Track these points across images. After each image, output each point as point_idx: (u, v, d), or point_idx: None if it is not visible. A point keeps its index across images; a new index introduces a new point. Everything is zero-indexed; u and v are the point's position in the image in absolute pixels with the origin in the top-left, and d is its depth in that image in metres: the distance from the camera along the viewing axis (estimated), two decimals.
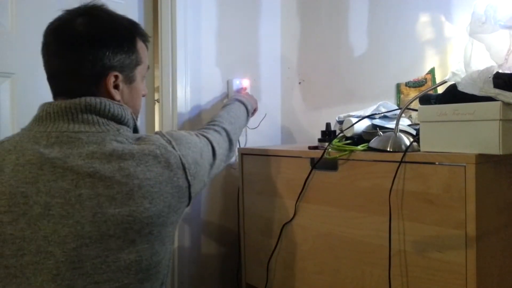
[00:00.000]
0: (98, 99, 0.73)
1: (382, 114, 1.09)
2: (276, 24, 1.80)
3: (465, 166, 0.76)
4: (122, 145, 0.71)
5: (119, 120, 0.76)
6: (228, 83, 1.58)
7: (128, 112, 0.78)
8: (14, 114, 1.24)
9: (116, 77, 0.77)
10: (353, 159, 0.98)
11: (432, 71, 1.25)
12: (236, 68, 1.64)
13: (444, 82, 0.90)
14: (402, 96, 1.33)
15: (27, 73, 1.25)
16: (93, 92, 0.75)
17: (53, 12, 0.77)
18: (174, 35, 1.44)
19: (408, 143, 0.91)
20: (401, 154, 0.87)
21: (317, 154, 1.07)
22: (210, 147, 0.91)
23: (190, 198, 0.79)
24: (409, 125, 1.08)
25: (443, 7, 1.23)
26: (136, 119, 0.87)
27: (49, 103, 0.74)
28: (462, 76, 0.82)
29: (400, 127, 0.97)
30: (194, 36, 1.50)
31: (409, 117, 1.19)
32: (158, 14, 1.49)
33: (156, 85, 1.61)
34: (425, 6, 1.28)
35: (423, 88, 1.26)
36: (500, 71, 0.79)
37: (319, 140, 1.20)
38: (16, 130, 0.76)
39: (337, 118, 1.18)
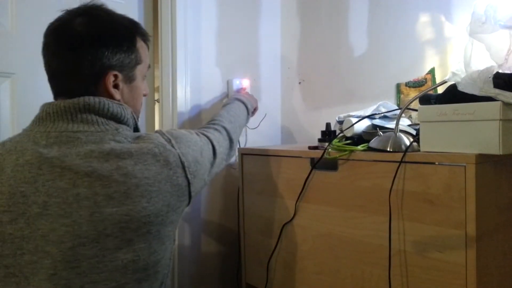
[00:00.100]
0: (97, 99, 0.73)
1: (382, 114, 1.09)
2: (276, 24, 1.80)
3: (465, 166, 0.76)
4: (120, 144, 0.71)
5: (118, 120, 0.75)
6: (228, 83, 1.58)
7: (128, 111, 0.78)
8: (14, 114, 1.24)
9: (115, 76, 0.77)
10: (353, 159, 0.98)
11: (432, 71, 1.25)
12: (236, 68, 1.64)
13: (444, 82, 0.90)
14: (402, 96, 1.33)
15: (27, 73, 1.25)
16: (93, 92, 0.75)
17: (53, 12, 0.77)
18: (174, 35, 1.44)
19: (408, 143, 0.91)
20: (401, 154, 0.87)
21: (317, 154, 1.07)
22: (210, 146, 0.91)
23: (190, 197, 0.79)
24: (409, 125, 1.08)
25: (443, 7, 1.23)
26: (137, 119, 0.86)
27: (49, 103, 0.74)
28: (462, 76, 0.82)
29: (400, 127, 0.97)
30: (194, 36, 1.50)
31: (409, 117, 1.19)
32: (158, 14, 1.49)
33: (156, 85, 1.61)
34: (425, 6, 1.28)
35: (423, 88, 1.26)
36: (500, 71, 0.79)
37: (319, 140, 1.20)
38: (16, 130, 0.76)
39: (337, 118, 1.18)
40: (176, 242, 1.46)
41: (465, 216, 0.77)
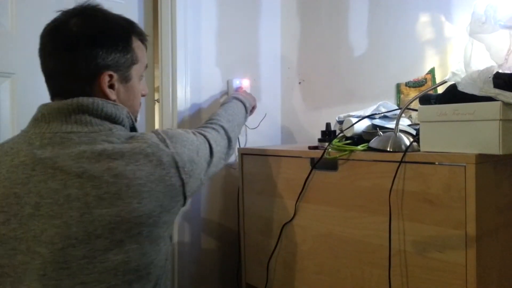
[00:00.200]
0: (91, 99, 0.73)
1: (382, 114, 1.09)
2: (276, 24, 1.80)
3: (465, 166, 0.76)
4: (112, 145, 0.70)
5: (113, 120, 0.75)
6: (228, 83, 1.58)
7: (123, 111, 0.78)
8: (14, 114, 1.24)
9: (110, 76, 0.76)
10: (353, 159, 0.98)
11: (432, 71, 1.25)
12: (236, 68, 1.64)
13: (444, 82, 0.90)
14: (402, 96, 1.33)
15: (27, 73, 1.25)
16: (88, 92, 0.75)
17: (53, 12, 0.77)
18: (174, 35, 1.44)
19: (408, 143, 0.91)
20: (401, 154, 0.87)
21: (317, 154, 1.07)
22: (207, 145, 0.90)
23: (185, 197, 0.78)
24: (409, 125, 1.08)
25: (443, 7, 1.23)
26: (135, 119, 0.86)
27: (45, 105, 0.74)
28: (462, 76, 0.82)
29: (400, 127, 0.97)
30: (194, 36, 1.50)
31: (409, 117, 1.19)
32: (158, 14, 1.49)
33: (156, 85, 1.61)
34: (425, 6, 1.28)
35: (423, 88, 1.26)
36: (500, 71, 0.79)
37: (319, 140, 1.20)
38: (16, 130, 0.77)
39: (337, 118, 1.18)
40: (176, 242, 1.46)
41: (465, 216, 0.77)
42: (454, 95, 0.85)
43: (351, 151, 0.98)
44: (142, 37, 0.85)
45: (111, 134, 0.73)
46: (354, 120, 1.05)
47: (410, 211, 0.86)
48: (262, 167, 1.27)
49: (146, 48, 0.88)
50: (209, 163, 0.89)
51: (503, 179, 0.85)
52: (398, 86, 1.35)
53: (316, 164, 1.07)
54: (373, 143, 0.96)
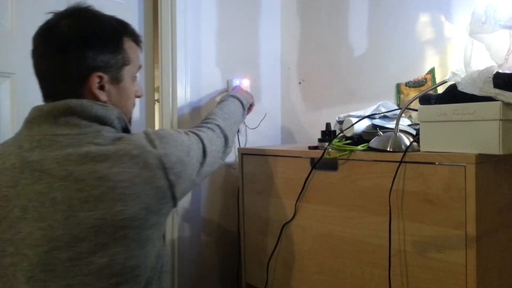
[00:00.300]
0: (79, 101, 0.73)
1: (382, 114, 1.09)
2: (276, 24, 1.80)
3: (465, 166, 0.76)
4: (98, 147, 0.70)
5: (102, 121, 0.75)
6: (228, 83, 1.58)
7: (113, 112, 0.77)
8: (14, 114, 1.24)
9: (100, 77, 0.76)
10: (353, 159, 0.98)
11: (432, 71, 1.25)
12: (236, 68, 1.64)
13: (444, 82, 0.90)
14: (402, 96, 1.33)
15: (27, 73, 1.22)
16: (78, 94, 0.75)
17: (53, 12, 0.77)
18: (174, 35, 1.44)
19: (408, 143, 0.91)
20: (401, 154, 0.87)
21: (317, 154, 1.07)
22: (200, 145, 0.89)
23: (175, 198, 0.77)
24: (409, 125, 1.08)
25: (443, 7, 1.23)
26: (129, 120, 0.86)
27: (36, 107, 0.75)
28: (462, 76, 0.82)
29: (400, 127, 0.97)
30: (194, 36, 1.50)
31: (409, 117, 1.19)
32: (158, 14, 1.49)
33: (156, 85, 1.61)
34: (425, 6, 1.28)
35: (423, 88, 1.26)
36: (500, 71, 0.79)
37: (319, 140, 1.20)
38: (16, 130, 0.77)
39: (337, 118, 1.18)
40: (176, 242, 1.46)
41: (465, 216, 0.77)
42: (454, 95, 0.85)
43: (351, 151, 0.98)
44: (135, 38, 0.84)
45: (98, 136, 0.72)
46: (354, 120, 1.05)
47: (410, 211, 0.86)
48: (262, 167, 1.27)
49: (141, 49, 0.88)
50: (202, 163, 0.88)
51: (503, 179, 0.85)
52: (398, 86, 1.35)
53: (316, 164, 1.07)
54: (373, 143, 0.96)
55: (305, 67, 1.72)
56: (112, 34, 0.79)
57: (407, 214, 0.87)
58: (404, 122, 1.10)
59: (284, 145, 1.63)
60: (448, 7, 1.22)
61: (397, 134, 0.93)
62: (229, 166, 1.60)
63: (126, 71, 0.82)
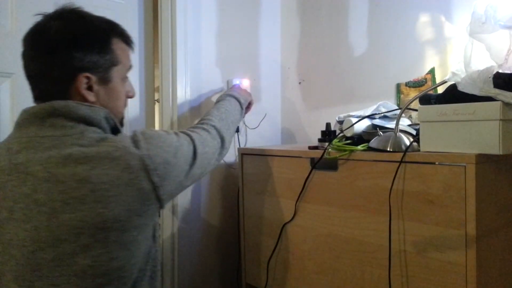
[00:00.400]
0: (64, 103, 0.73)
1: (382, 114, 1.09)
2: (276, 24, 1.80)
3: (465, 166, 0.76)
4: (80, 149, 0.70)
5: (89, 122, 0.74)
6: (228, 83, 1.58)
7: (100, 113, 0.76)
8: (14, 114, 1.24)
9: (88, 78, 0.76)
10: (353, 159, 0.98)
11: (432, 71, 1.25)
12: (236, 68, 1.64)
13: (444, 82, 0.90)
14: (402, 96, 1.33)
15: None
16: (66, 95, 0.75)
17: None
18: (174, 35, 1.44)
19: (408, 143, 0.91)
20: (401, 154, 0.87)
21: (317, 154, 1.07)
22: (191, 147, 0.87)
23: (160, 200, 0.76)
24: (409, 125, 1.08)
25: (443, 7, 1.23)
26: (121, 121, 0.86)
27: (25, 110, 0.75)
28: (462, 76, 0.82)
29: (400, 127, 0.97)
30: (194, 36, 1.50)
31: (409, 117, 1.19)
32: (158, 14, 1.49)
33: (156, 85, 1.61)
34: (425, 6, 1.28)
35: (423, 88, 1.26)
36: (500, 71, 0.79)
37: (319, 140, 1.19)
38: None
39: (337, 118, 1.18)
40: (177, 242, 1.46)
41: (465, 216, 0.77)
42: (454, 95, 0.85)
43: (351, 151, 0.98)
44: (125, 38, 0.84)
45: (82, 137, 0.72)
46: (354, 120, 1.05)
47: (410, 211, 0.86)
48: (262, 167, 1.27)
49: (133, 50, 0.87)
50: (191, 165, 0.86)
51: (503, 179, 0.85)
52: (398, 86, 1.35)
53: (316, 164, 1.07)
54: (373, 143, 0.96)
55: (305, 67, 1.72)
56: (99, 34, 0.79)
57: (407, 214, 0.87)
58: (404, 122, 1.10)
59: (284, 145, 1.63)
60: (448, 7, 1.22)
61: (397, 134, 0.93)
62: (229, 166, 1.60)
63: (115, 72, 0.81)
